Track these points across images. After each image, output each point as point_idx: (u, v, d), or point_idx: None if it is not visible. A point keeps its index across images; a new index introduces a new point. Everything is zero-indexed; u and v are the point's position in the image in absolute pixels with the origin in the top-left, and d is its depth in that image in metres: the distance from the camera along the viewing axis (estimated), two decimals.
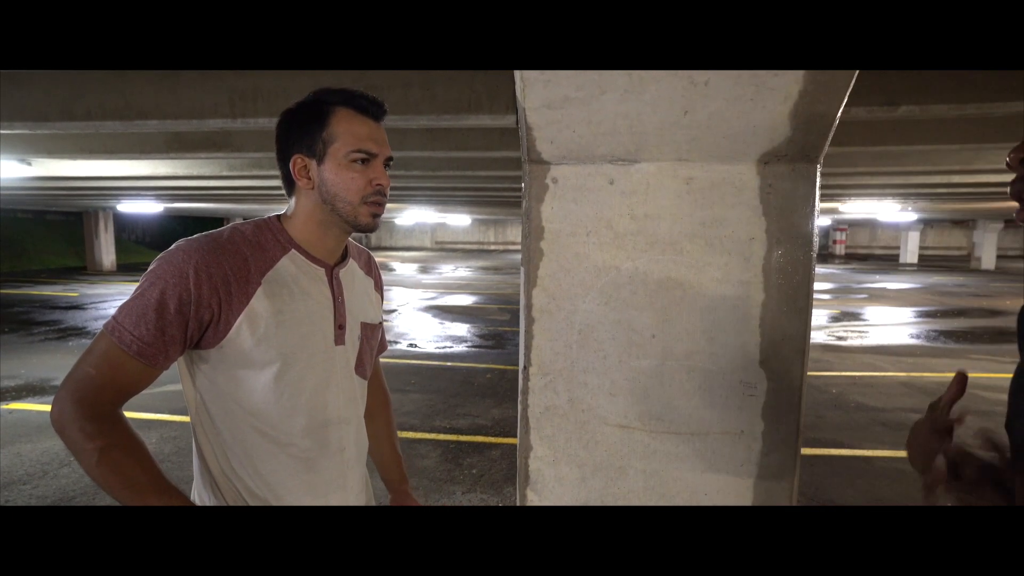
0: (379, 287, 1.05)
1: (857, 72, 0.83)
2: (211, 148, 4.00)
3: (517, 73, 0.87)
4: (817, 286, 13.39)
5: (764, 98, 0.86)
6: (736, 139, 0.92)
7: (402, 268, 17.72)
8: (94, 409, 0.76)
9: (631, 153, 0.95)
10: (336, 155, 0.86)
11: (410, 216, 19.21)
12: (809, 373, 3.95)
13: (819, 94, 0.85)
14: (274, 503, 0.86)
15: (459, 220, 23.74)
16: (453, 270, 17.07)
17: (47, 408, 4.23)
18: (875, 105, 2.71)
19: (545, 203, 0.99)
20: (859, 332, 7.98)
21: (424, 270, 17.08)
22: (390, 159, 0.90)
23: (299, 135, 0.87)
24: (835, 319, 9.13)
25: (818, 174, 0.96)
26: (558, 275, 0.99)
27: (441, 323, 8.23)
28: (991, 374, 5.52)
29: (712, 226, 0.96)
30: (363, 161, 0.86)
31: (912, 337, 7.59)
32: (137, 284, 0.82)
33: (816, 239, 0.97)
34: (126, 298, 0.82)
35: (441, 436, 3.81)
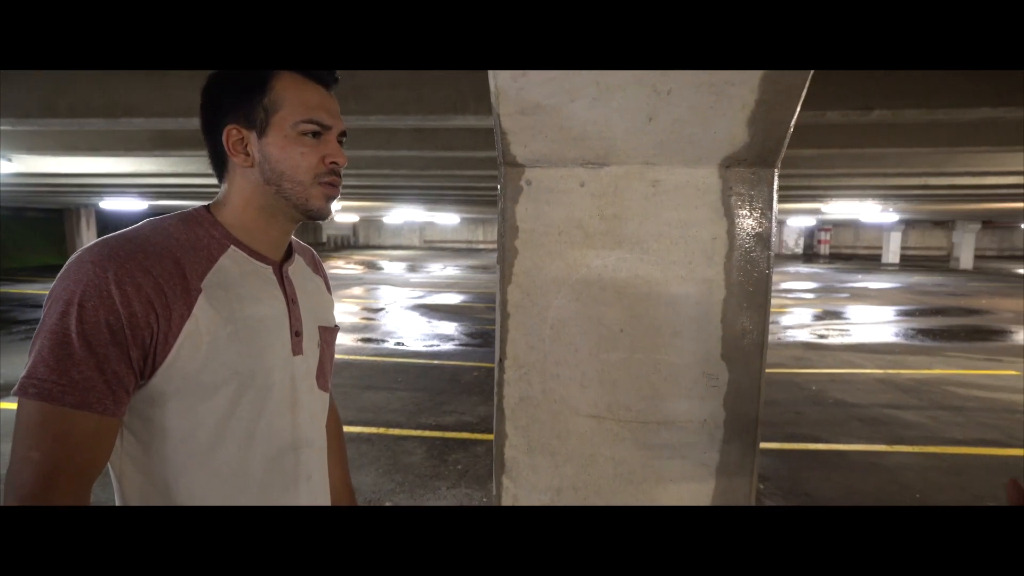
0: (328, 287, 0.92)
1: (807, 84, 0.89)
2: (197, 146, 4.01)
3: (491, 80, 0.92)
4: (801, 285, 13.63)
5: (723, 106, 0.92)
6: (699, 144, 0.97)
7: (390, 267, 17.70)
8: None
9: (600, 157, 1.00)
10: (282, 126, 0.72)
11: (398, 215, 19.19)
12: (790, 370, 4.06)
13: (774, 102, 0.91)
14: None
15: (448, 219, 23.74)
16: (442, 268, 17.08)
17: None
18: (849, 109, 2.80)
19: (519, 204, 1.04)
20: (840, 330, 8.13)
21: (412, 269, 17.08)
22: (343, 134, 0.77)
23: (233, 101, 0.73)
24: (818, 318, 9.28)
25: (775, 178, 1.01)
26: (532, 272, 1.04)
27: (429, 322, 8.26)
28: (966, 371, 5.66)
29: (677, 226, 1.02)
30: (315, 135, 0.73)
31: (891, 335, 7.75)
32: (42, 315, 0.63)
33: (774, 239, 1.03)
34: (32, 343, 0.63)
35: (427, 433, 3.85)
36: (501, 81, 0.92)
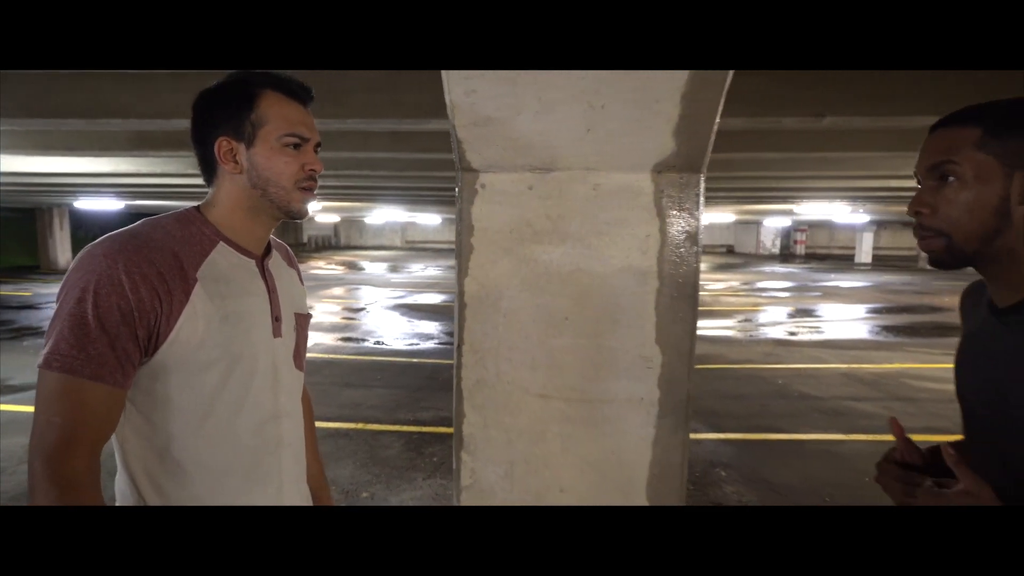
0: (301, 279, 1.02)
1: (723, 100, 1.02)
2: (176, 147, 4.05)
3: (447, 95, 1.03)
4: (776, 284, 13.96)
5: (651, 120, 1.04)
6: (633, 152, 1.10)
7: (371, 267, 17.68)
8: (64, 472, 0.68)
9: (546, 163, 1.12)
10: (267, 138, 0.82)
11: (380, 215, 19.18)
12: (759, 366, 4.26)
13: (695, 116, 1.03)
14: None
15: (429, 219, 23.76)
16: (423, 269, 17.12)
17: (3, 408, 4.19)
18: (804, 115, 2.96)
19: (475, 205, 1.15)
20: (810, 328, 8.39)
21: (394, 269, 17.09)
22: (319, 144, 0.88)
23: (223, 116, 0.82)
24: (789, 316, 9.54)
25: (702, 182, 1.14)
26: (486, 266, 1.16)
27: (409, 321, 8.34)
28: (924, 365, 5.92)
29: (615, 225, 1.14)
30: (296, 146, 0.83)
31: (858, 332, 8.02)
32: (58, 302, 0.72)
33: (701, 236, 1.16)
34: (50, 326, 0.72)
35: (404, 428, 3.94)
36: (455, 96, 1.03)
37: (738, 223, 25.93)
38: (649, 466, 1.19)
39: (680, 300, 1.15)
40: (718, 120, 1.06)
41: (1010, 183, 0.70)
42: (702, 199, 1.15)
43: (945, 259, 0.76)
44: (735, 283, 14.27)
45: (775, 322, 8.87)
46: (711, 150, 1.12)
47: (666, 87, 1.00)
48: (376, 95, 3.01)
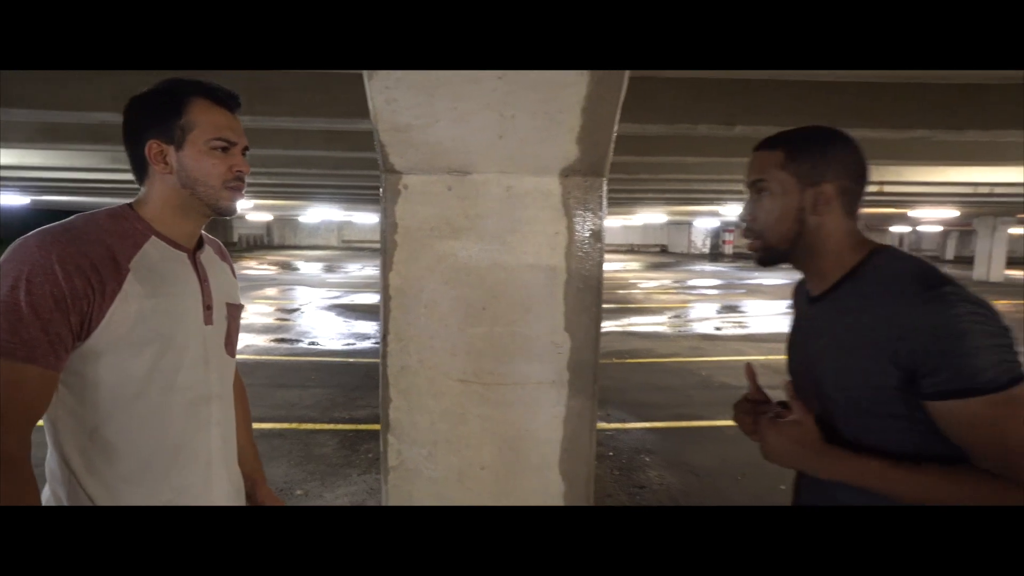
0: (233, 272, 1.08)
1: (618, 114, 1.15)
2: (93, 140, 3.87)
3: (369, 102, 1.11)
4: (704, 282, 14.67)
5: (556, 129, 1.16)
6: (541, 158, 1.22)
7: (307, 267, 17.23)
8: None
9: (464, 166, 1.22)
10: (196, 142, 0.87)
11: (315, 214, 18.69)
12: (685, 359, 4.56)
13: (593, 127, 1.16)
14: (142, 490, 0.85)
15: (366, 218, 23.33)
16: (360, 269, 16.85)
17: None
18: (716, 123, 3.21)
19: (398, 204, 1.24)
20: (734, 323, 8.91)
21: (330, 269, 16.72)
22: (247, 148, 0.93)
23: (153, 121, 0.87)
24: (717, 312, 10.09)
25: (604, 185, 1.28)
26: (409, 261, 1.24)
27: (345, 321, 8.23)
28: None
29: (527, 223, 1.25)
30: (223, 149, 0.89)
31: (777, 326, 8.59)
32: None
33: (604, 233, 1.29)
34: None
35: (340, 426, 3.94)
36: (377, 104, 1.11)
37: (671, 223, 26.98)
38: (561, 442, 1.31)
39: (586, 291, 1.28)
40: (615, 131, 1.19)
41: (803, 196, 0.87)
42: (604, 200, 1.28)
43: (763, 257, 0.94)
44: (667, 281, 14.90)
45: (702, 318, 9.35)
46: (611, 157, 1.25)
47: (568, 100, 1.12)
48: (308, 94, 3.01)
